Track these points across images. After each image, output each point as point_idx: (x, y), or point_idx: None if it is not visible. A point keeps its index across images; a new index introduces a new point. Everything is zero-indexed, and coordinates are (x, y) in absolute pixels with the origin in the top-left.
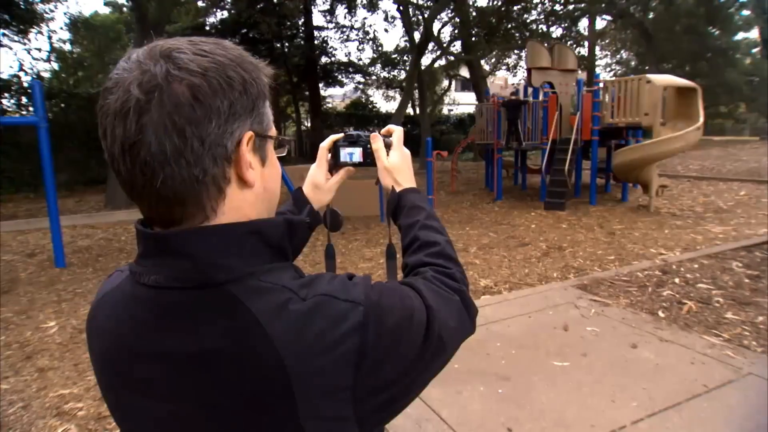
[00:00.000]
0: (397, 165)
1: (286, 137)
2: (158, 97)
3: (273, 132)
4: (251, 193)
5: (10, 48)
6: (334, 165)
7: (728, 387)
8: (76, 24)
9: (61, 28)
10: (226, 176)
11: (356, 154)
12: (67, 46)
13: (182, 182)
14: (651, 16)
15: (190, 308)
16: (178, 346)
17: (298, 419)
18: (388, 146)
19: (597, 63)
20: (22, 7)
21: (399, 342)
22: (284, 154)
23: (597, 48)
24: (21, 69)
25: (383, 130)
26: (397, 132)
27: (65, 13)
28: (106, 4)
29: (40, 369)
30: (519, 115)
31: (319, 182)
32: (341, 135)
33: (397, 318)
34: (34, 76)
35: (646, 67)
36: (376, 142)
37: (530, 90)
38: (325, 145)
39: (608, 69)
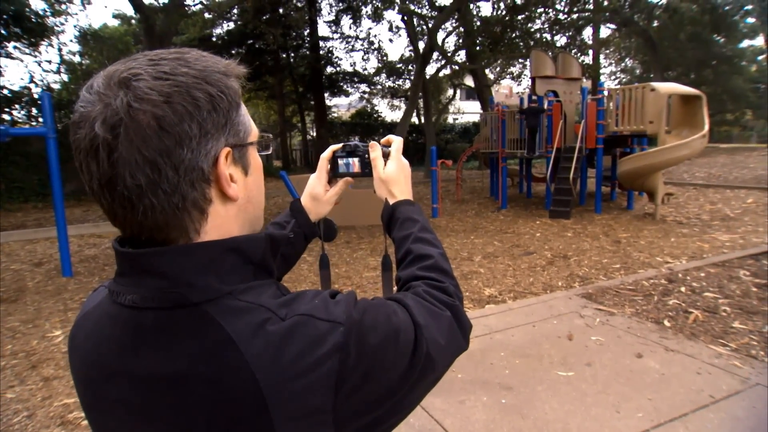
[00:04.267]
0: (393, 176)
1: (267, 135)
2: (124, 132)
3: (253, 136)
4: (234, 207)
5: (21, 60)
6: (333, 176)
7: (735, 398)
8: (86, 36)
9: (71, 41)
10: (206, 197)
11: (355, 164)
12: (77, 58)
13: (162, 211)
14: (655, 24)
15: (165, 329)
16: (153, 368)
17: None
18: (386, 156)
19: (601, 71)
20: (33, 20)
21: (383, 361)
22: (269, 152)
23: (601, 56)
24: (31, 81)
25: (383, 140)
26: (396, 142)
27: (75, 26)
28: (114, 16)
29: (45, 378)
30: (539, 122)
31: (318, 194)
32: (340, 146)
33: (381, 336)
34: (44, 88)
35: (651, 75)
36: (374, 150)
37: (534, 98)
38: (325, 155)
39: (613, 77)
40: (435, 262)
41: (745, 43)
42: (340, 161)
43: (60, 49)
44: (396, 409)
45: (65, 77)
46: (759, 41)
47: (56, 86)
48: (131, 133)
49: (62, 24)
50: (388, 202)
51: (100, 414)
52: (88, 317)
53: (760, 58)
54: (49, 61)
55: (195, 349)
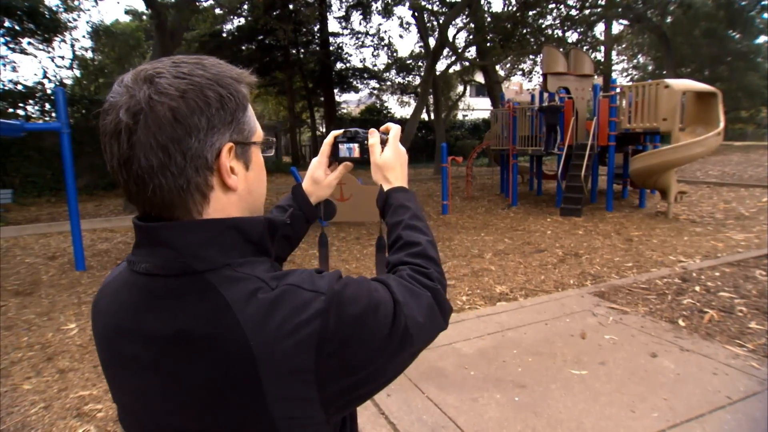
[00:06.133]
0: (389, 162)
1: (271, 138)
2: (143, 119)
3: (257, 137)
4: (234, 195)
5: (35, 56)
6: (334, 160)
7: (753, 399)
8: (98, 32)
9: (84, 37)
10: (208, 183)
11: (354, 149)
12: (89, 54)
13: (169, 191)
14: (669, 20)
15: (172, 293)
16: (160, 327)
17: (264, 398)
18: (384, 143)
19: (613, 68)
20: (47, 16)
21: (362, 330)
22: (271, 154)
23: (613, 53)
24: (45, 76)
25: (382, 127)
26: (394, 129)
27: (87, 22)
28: (126, 12)
29: (60, 370)
30: (557, 120)
31: (318, 177)
32: (341, 131)
33: (361, 309)
34: (57, 83)
35: (664, 72)
36: (373, 137)
37: (546, 95)
38: (328, 140)
39: (625, 74)
40: (422, 249)
41: (761, 39)
42: (341, 146)
43: (73, 45)
44: (375, 377)
45: (77, 73)
46: None
47: (69, 82)
48: (149, 121)
49: (75, 20)
50: (383, 188)
51: (117, 369)
52: (110, 285)
53: None
54: (62, 57)
55: (197, 311)
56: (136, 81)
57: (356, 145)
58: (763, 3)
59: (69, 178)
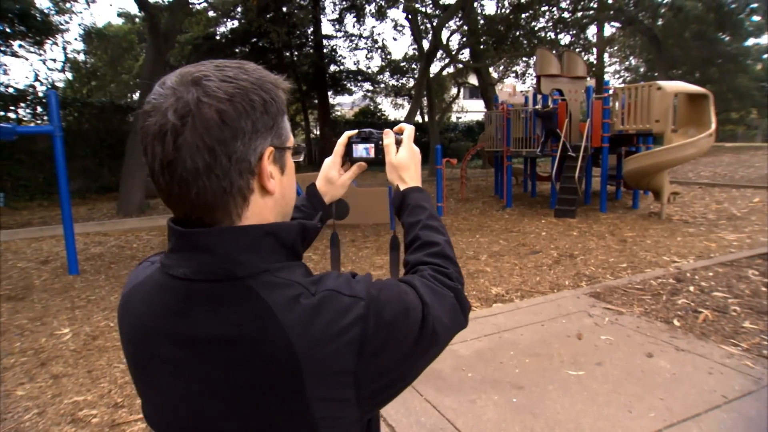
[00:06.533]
0: (404, 162)
1: (301, 144)
2: (191, 121)
3: (290, 142)
4: (271, 199)
5: (26, 59)
6: (348, 160)
7: (748, 398)
8: (90, 35)
9: (76, 39)
10: (250, 186)
11: (369, 150)
12: (81, 57)
13: (213, 193)
14: (660, 22)
15: (213, 298)
16: (201, 331)
17: (306, 400)
18: (398, 143)
19: (606, 70)
20: (38, 18)
21: (396, 333)
22: (300, 159)
23: (606, 55)
24: (36, 79)
25: (396, 128)
26: (408, 130)
27: (80, 24)
28: (119, 15)
29: (54, 375)
30: (554, 126)
31: (332, 177)
32: (356, 132)
33: (395, 312)
34: (49, 86)
35: (656, 74)
36: (388, 137)
37: (539, 97)
38: (342, 141)
39: (617, 76)
40: (441, 249)
41: (751, 42)
42: (355, 147)
43: (64, 48)
44: (404, 376)
45: (70, 75)
46: (764, 40)
47: (61, 84)
48: (197, 123)
49: (67, 22)
50: (399, 188)
51: (149, 371)
52: (140, 287)
53: (766, 56)
54: (54, 60)
55: (240, 316)
56: (183, 83)
57: (370, 146)
58: (752, 6)
59: (62, 181)
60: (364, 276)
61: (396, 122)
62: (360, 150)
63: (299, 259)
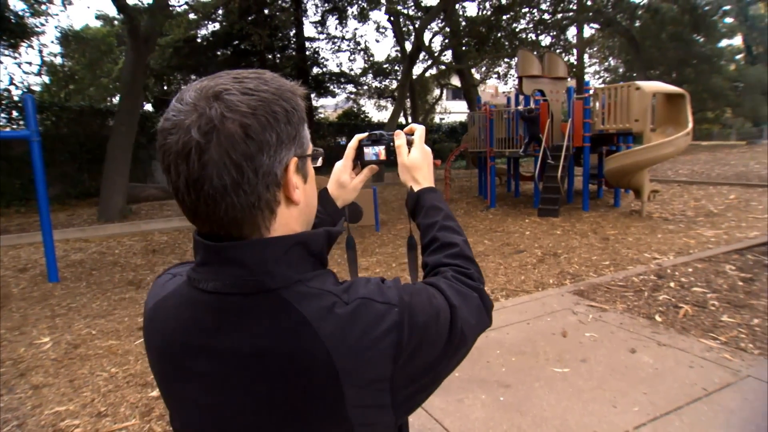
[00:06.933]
0: (417, 162)
1: (318, 149)
2: (216, 138)
3: (310, 149)
4: (296, 209)
5: (1, 62)
6: (359, 163)
7: (727, 390)
8: (67, 37)
9: (52, 42)
10: (276, 199)
11: (380, 152)
12: (58, 60)
13: (241, 209)
14: (637, 24)
15: (247, 311)
16: (236, 344)
17: (345, 408)
18: (410, 144)
19: (586, 70)
20: (12, 21)
21: (428, 337)
22: (320, 165)
23: (586, 56)
24: (11, 83)
25: (406, 129)
26: (419, 130)
27: (56, 27)
28: (97, 17)
29: (34, 386)
30: (538, 131)
31: (344, 181)
32: (366, 134)
33: (427, 316)
34: (25, 90)
35: (634, 74)
36: (399, 138)
37: (521, 98)
38: (352, 144)
39: (597, 76)
40: (460, 250)
41: (724, 43)
42: (366, 149)
43: (41, 51)
44: (435, 379)
45: (46, 79)
46: (737, 41)
47: (37, 88)
48: (222, 139)
49: (43, 25)
50: (413, 189)
51: (180, 385)
52: (167, 301)
53: (738, 57)
54: (30, 63)
55: (276, 329)
56: (203, 98)
57: (381, 148)
58: (724, 8)
59: (40, 187)
60: (393, 281)
61: (380, 124)
62: (370, 153)
63: (325, 266)
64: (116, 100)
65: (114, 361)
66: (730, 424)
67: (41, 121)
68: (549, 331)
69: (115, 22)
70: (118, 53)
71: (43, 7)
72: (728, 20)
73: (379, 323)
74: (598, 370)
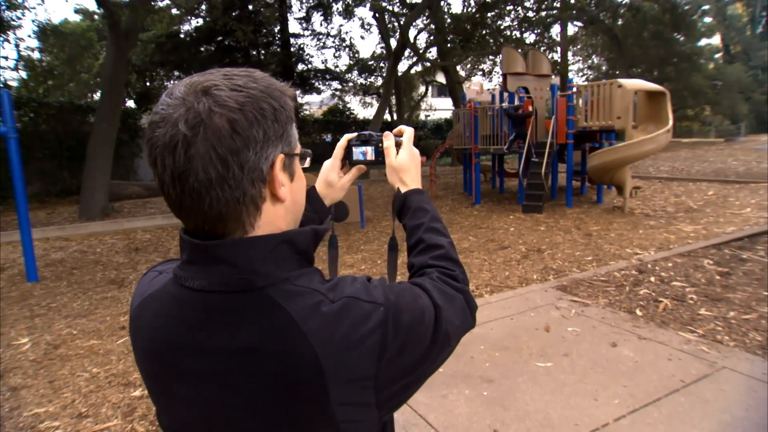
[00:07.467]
0: (404, 164)
1: (307, 150)
2: (203, 131)
3: (298, 149)
4: (282, 207)
5: None
6: (347, 163)
7: (704, 381)
8: (45, 32)
9: (30, 36)
10: (262, 195)
11: (368, 152)
12: (36, 54)
13: (226, 204)
14: (620, 22)
15: (234, 310)
16: (223, 342)
17: (330, 405)
18: (398, 145)
19: (570, 68)
20: None
21: (413, 337)
22: (308, 165)
23: (569, 53)
24: None
25: (395, 130)
26: (408, 132)
27: (33, 21)
28: (76, 11)
29: (12, 388)
30: (525, 130)
31: (332, 180)
32: (355, 134)
33: (412, 316)
34: (1, 85)
35: (617, 72)
36: (388, 140)
37: (506, 95)
38: (341, 144)
39: (580, 74)
40: (446, 251)
41: (703, 42)
42: (355, 149)
43: (17, 45)
44: (419, 378)
45: (24, 74)
46: (716, 40)
47: (14, 83)
48: (209, 133)
49: (19, 18)
50: (400, 190)
51: (171, 383)
52: (154, 299)
53: (717, 56)
54: (6, 57)
55: (262, 327)
56: (192, 92)
57: (370, 148)
58: (703, 8)
59: (18, 185)
60: (379, 280)
61: (365, 121)
62: (359, 153)
63: (312, 264)
64: (97, 96)
65: (95, 361)
66: (706, 414)
67: (19, 118)
68: (532, 326)
69: (96, 17)
70: (98, 48)
71: (19, 0)
72: (707, 20)
73: (365, 322)
74: (580, 364)
